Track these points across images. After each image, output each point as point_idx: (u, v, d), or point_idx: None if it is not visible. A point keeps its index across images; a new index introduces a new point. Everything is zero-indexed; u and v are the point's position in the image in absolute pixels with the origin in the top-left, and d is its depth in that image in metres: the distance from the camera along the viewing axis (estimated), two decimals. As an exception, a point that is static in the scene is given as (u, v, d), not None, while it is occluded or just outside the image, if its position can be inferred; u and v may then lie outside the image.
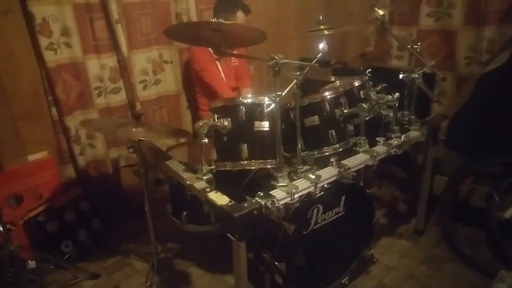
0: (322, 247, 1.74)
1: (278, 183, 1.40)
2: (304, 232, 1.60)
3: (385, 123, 1.87)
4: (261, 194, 1.34)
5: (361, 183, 1.78)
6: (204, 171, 1.50)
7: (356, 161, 1.61)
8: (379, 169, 2.90)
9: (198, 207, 1.67)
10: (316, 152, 1.67)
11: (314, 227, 1.63)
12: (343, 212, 1.72)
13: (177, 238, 2.18)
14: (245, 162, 1.51)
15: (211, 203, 1.34)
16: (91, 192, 2.39)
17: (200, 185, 1.45)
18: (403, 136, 1.84)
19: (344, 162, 1.60)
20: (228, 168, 1.55)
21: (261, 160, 1.52)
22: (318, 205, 1.60)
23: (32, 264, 2.00)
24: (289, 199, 1.37)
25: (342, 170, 1.54)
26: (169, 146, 2.13)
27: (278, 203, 1.32)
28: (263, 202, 1.29)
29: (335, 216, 1.69)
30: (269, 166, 1.50)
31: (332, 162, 1.58)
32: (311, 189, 1.46)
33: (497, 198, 1.96)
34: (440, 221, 2.20)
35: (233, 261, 1.33)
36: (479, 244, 2.10)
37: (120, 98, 2.45)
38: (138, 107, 2.49)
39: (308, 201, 1.53)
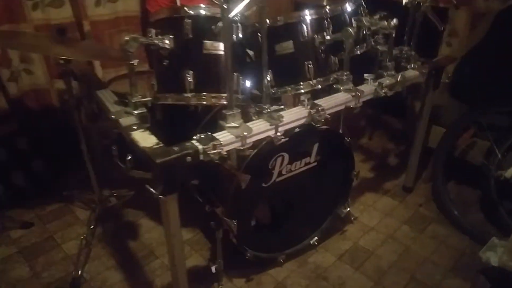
0: (288, 203, 1.51)
1: (226, 123, 1.11)
2: (263, 185, 1.35)
3: (379, 60, 1.56)
4: (202, 136, 1.05)
5: (340, 130, 1.49)
6: (135, 104, 1.19)
7: (333, 101, 1.31)
8: (372, 118, 2.68)
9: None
10: (288, 88, 1.36)
11: (278, 180, 1.37)
12: (315, 163, 1.46)
13: (130, 186, 1.94)
14: (190, 95, 1.21)
15: (134, 144, 1.06)
16: (32, 128, 2.10)
17: (126, 121, 1.16)
18: (398, 75, 1.52)
19: (319, 101, 1.30)
20: (169, 102, 1.25)
21: (212, 94, 1.22)
22: (283, 154, 1.33)
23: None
24: (238, 144, 1.09)
25: (314, 111, 1.24)
26: (113, 77, 1.80)
27: (222, 149, 1.04)
28: (200, 147, 1.01)
29: (305, 168, 1.44)
30: (220, 102, 1.20)
31: (303, 101, 1.27)
32: (271, 133, 1.17)
33: (498, 155, 1.70)
34: (432, 177, 1.97)
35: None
36: (472, 206, 1.89)
37: (64, 14, 2.06)
38: (87, 27, 2.11)
39: (269, 148, 1.26)
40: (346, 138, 1.47)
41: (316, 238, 1.63)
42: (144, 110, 1.21)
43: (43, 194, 2.00)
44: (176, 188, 1.01)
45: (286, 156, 1.35)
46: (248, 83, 1.34)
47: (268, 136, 1.18)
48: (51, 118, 2.18)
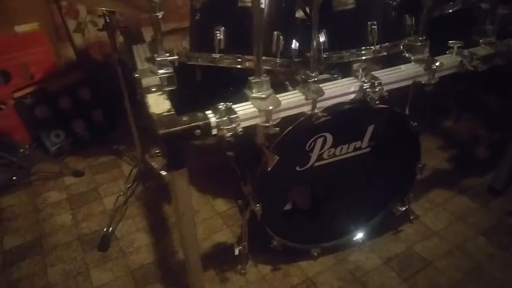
0: (329, 192, 1.31)
1: (251, 92, 0.93)
2: (298, 169, 1.17)
3: (476, 22, 1.22)
4: (219, 106, 0.90)
5: (406, 111, 1.22)
6: (160, 63, 1.07)
7: (397, 74, 1.05)
8: (462, 95, 2.25)
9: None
10: (344, 54, 1.13)
11: (317, 164, 1.18)
12: (368, 149, 1.22)
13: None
14: (219, 56, 1.05)
15: (146, 108, 0.95)
16: (95, 79, 2.15)
17: (149, 81, 1.05)
18: (500, 43, 1.17)
19: (378, 73, 1.04)
20: (200, 63, 1.11)
21: (246, 56, 1.05)
22: (325, 135, 1.12)
23: (24, 149, 1.91)
24: (261, 119, 0.91)
25: (368, 85, 1.00)
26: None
27: (238, 124, 0.87)
28: (213, 119, 0.86)
29: (354, 153, 1.21)
30: (247, 65, 1.03)
31: (357, 70, 1.03)
32: (306, 109, 0.97)
33: None
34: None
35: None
36: None
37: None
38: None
39: (307, 126, 1.06)
40: (412, 122, 1.20)
41: (362, 235, 1.41)
42: (170, 70, 1.08)
43: (99, 144, 2.07)
44: (182, 163, 0.89)
45: (330, 137, 1.13)
46: (296, 45, 1.13)
47: (304, 113, 0.98)
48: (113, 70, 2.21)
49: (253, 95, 0.93)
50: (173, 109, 0.90)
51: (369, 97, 0.99)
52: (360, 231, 1.42)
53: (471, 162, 1.86)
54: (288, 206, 1.34)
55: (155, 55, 1.07)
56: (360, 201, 1.37)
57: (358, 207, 1.38)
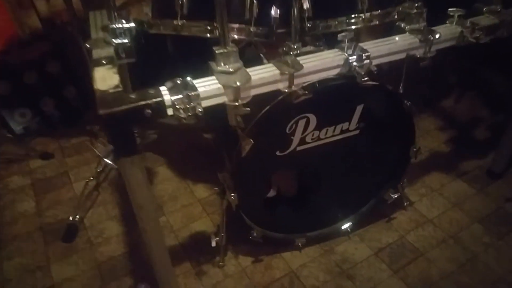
0: (316, 178, 1.20)
1: (217, 65, 0.80)
2: (278, 154, 1.05)
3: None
4: (177, 81, 0.76)
5: (400, 89, 1.09)
6: (115, 31, 0.93)
7: (388, 46, 0.91)
8: (465, 72, 2.11)
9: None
10: (332, 23, 0.99)
11: (299, 148, 1.06)
12: (357, 132, 1.10)
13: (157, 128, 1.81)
14: (180, 23, 0.91)
15: (92, 84, 0.82)
16: (65, 51, 1.98)
17: (101, 52, 0.91)
18: (505, 12, 1.04)
19: (366, 44, 0.91)
20: (162, 32, 0.97)
21: (209, 22, 0.91)
22: (308, 115, 1.00)
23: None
24: (226, 98, 0.78)
25: (354, 58, 0.87)
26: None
27: (198, 103, 0.74)
28: (167, 97, 0.73)
29: (342, 136, 1.09)
30: (207, 35, 0.89)
31: (342, 41, 0.89)
32: (281, 86, 0.84)
33: None
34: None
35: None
36: None
37: None
38: None
39: (286, 106, 0.93)
40: (406, 102, 1.07)
41: (351, 223, 1.31)
42: (126, 40, 0.94)
43: (72, 125, 1.93)
44: (133, 149, 0.76)
45: (313, 119, 1.01)
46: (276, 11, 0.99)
47: (280, 91, 0.85)
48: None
49: (219, 68, 0.80)
50: (121, 86, 0.77)
51: (355, 72, 0.86)
52: (349, 219, 1.31)
53: (471, 144, 1.74)
54: (272, 193, 1.22)
55: (108, 21, 0.93)
56: (349, 188, 1.26)
57: (347, 194, 1.27)
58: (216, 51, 0.79)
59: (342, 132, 1.08)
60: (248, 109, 0.80)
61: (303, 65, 0.84)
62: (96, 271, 1.26)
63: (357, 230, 1.34)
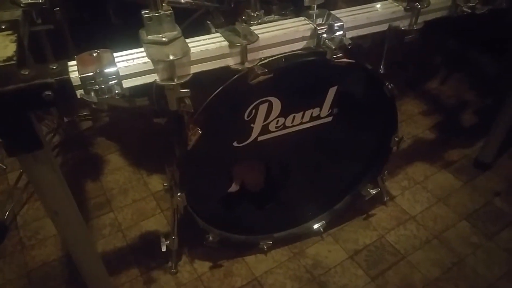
0: (283, 170, 1.06)
1: (147, 34, 0.63)
2: (235, 145, 0.89)
3: None
4: (94, 54, 0.59)
5: (381, 68, 0.94)
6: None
7: (367, 15, 0.76)
8: (452, 52, 1.99)
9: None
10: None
11: (261, 138, 0.90)
12: (330, 118, 0.95)
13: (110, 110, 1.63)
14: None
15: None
16: None
17: (3, 15, 0.73)
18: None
19: (338, 12, 0.75)
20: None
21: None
22: (270, 99, 0.84)
23: None
24: (160, 76, 0.62)
25: (323, 29, 0.71)
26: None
27: (120, 83, 0.58)
28: (75, 75, 0.56)
29: (311, 124, 0.94)
30: None
31: (311, 8, 0.74)
32: (230, 62, 0.68)
33: None
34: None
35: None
36: None
37: None
38: None
39: (243, 88, 0.77)
40: (387, 84, 0.93)
41: (323, 222, 1.18)
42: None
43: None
44: (29, 144, 0.59)
45: (276, 103, 0.86)
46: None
47: (230, 67, 0.70)
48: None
49: (148, 37, 0.63)
50: (15, 58, 0.59)
51: (325, 46, 0.71)
52: (321, 217, 1.18)
53: (457, 131, 1.63)
54: (234, 188, 1.08)
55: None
56: (322, 182, 1.12)
57: (320, 189, 1.14)
58: (144, 15, 0.62)
59: (312, 119, 0.94)
60: (187, 90, 0.64)
61: (259, 35, 0.67)
62: (24, 280, 1.10)
63: (330, 229, 1.21)
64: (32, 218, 1.28)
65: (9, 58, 0.59)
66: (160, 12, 0.63)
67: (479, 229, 1.23)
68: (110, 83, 0.57)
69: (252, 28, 0.71)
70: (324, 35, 0.71)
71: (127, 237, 1.23)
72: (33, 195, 1.35)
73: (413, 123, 1.65)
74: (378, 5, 0.79)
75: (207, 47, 0.65)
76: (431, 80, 1.92)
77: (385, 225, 1.24)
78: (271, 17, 0.86)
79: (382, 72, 0.95)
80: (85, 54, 0.60)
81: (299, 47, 0.73)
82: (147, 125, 1.55)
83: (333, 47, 0.70)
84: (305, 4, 0.73)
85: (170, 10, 0.63)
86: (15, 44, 0.64)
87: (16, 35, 0.66)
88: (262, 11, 0.80)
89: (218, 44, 0.66)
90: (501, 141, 1.39)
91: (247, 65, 0.68)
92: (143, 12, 0.63)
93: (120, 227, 1.25)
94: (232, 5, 0.92)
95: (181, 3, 0.83)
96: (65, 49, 1.00)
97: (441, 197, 1.34)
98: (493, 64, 1.89)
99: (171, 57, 0.60)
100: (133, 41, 0.65)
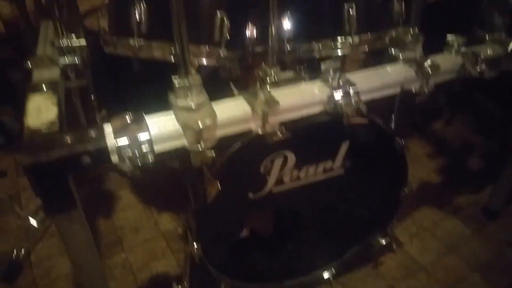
0: (294, 218, 1.09)
1: (176, 98, 0.69)
2: (250, 196, 0.93)
3: (481, 12, 1.01)
4: (127, 119, 0.65)
5: (392, 124, 0.99)
6: (61, 49, 0.82)
7: (380, 79, 0.82)
8: (455, 93, 2.04)
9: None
10: (315, 46, 0.89)
11: (276, 190, 0.94)
12: (342, 171, 0.99)
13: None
14: (137, 41, 0.79)
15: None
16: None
17: (43, 74, 0.79)
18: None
19: (354, 75, 0.81)
20: (119, 52, 0.85)
21: (168, 41, 0.80)
22: (286, 153, 0.89)
23: None
24: (189, 141, 0.67)
25: (341, 94, 0.76)
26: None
27: (152, 149, 0.63)
28: (111, 141, 0.61)
29: (324, 176, 0.98)
30: (171, 59, 0.78)
31: (327, 71, 0.79)
32: (253, 125, 0.73)
33: None
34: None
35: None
36: None
37: None
38: None
39: (260, 143, 0.82)
40: (398, 139, 0.97)
41: (333, 270, 1.20)
42: (74, 59, 0.83)
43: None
44: (66, 204, 0.64)
45: (291, 157, 0.90)
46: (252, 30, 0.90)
47: (252, 130, 0.75)
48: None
49: (178, 103, 0.68)
50: (57, 122, 0.65)
51: (342, 110, 0.76)
52: (331, 265, 1.20)
53: (464, 175, 1.66)
54: (244, 233, 1.11)
55: (54, 38, 0.81)
56: (332, 231, 1.15)
57: (330, 238, 1.17)
58: (175, 81, 0.68)
59: (325, 171, 0.98)
60: (213, 153, 0.69)
61: (280, 101, 0.73)
62: (37, 321, 1.12)
63: (339, 277, 1.23)
64: (45, 256, 1.31)
65: (52, 124, 0.65)
66: (189, 80, 0.68)
67: (493, 283, 1.23)
68: (144, 151, 0.62)
69: (270, 90, 0.76)
70: (341, 101, 0.76)
71: (138, 279, 1.25)
72: (47, 231, 1.38)
73: (418, 165, 1.68)
74: (390, 69, 0.85)
75: (232, 113, 0.70)
76: (436, 121, 1.96)
77: (395, 274, 1.26)
78: (287, 73, 0.92)
79: (393, 127, 1.00)
80: (119, 118, 0.65)
81: (316, 111, 0.78)
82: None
83: (350, 114, 0.75)
84: (322, 69, 0.79)
85: (199, 77, 0.69)
86: (56, 107, 0.69)
87: (56, 97, 0.72)
88: (278, 67, 0.85)
89: (242, 110, 0.71)
90: (510, 189, 1.42)
91: (267, 128, 0.73)
92: (173, 77, 0.68)
93: (131, 269, 1.28)
94: (250, 61, 0.98)
95: (202, 64, 0.88)
96: (92, 105, 1.06)
97: (451, 246, 1.35)
98: (498, 108, 1.93)
99: (201, 126, 0.65)
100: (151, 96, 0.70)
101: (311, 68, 0.91)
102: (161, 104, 0.71)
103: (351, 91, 0.76)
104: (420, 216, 1.46)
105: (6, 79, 1.77)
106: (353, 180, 1.02)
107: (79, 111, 1.07)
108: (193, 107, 0.68)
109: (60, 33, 0.81)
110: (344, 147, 0.95)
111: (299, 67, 0.93)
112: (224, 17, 0.80)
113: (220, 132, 0.70)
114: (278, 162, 0.90)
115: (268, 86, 0.79)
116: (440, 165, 1.70)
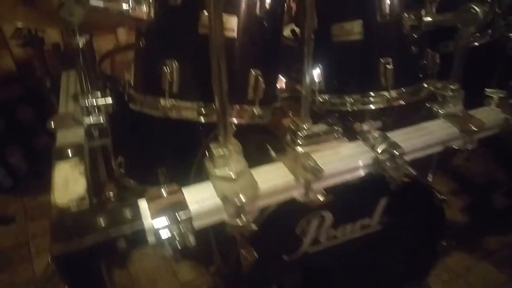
0: (325, 274, 1.03)
1: (215, 167, 0.64)
2: (285, 258, 0.88)
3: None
4: (163, 192, 0.60)
5: (429, 177, 0.94)
6: (87, 109, 0.78)
7: (422, 138, 0.77)
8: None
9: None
10: (348, 100, 0.86)
11: (311, 251, 0.89)
12: (380, 227, 0.94)
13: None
14: (168, 102, 0.75)
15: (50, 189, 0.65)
16: (40, 96, 1.82)
17: (68, 136, 0.75)
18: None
19: (395, 135, 0.77)
20: (145, 111, 0.81)
21: (200, 102, 0.76)
22: (323, 214, 0.84)
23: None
24: (229, 214, 0.62)
25: (385, 157, 0.72)
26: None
27: (190, 231, 0.58)
28: (149, 222, 0.56)
29: (361, 233, 0.93)
30: (202, 119, 0.74)
31: (367, 132, 0.75)
32: (296, 193, 0.68)
33: None
34: None
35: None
36: None
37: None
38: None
39: (293, 207, 0.77)
40: (437, 194, 0.92)
41: (365, 326, 1.13)
42: (99, 118, 0.79)
43: (39, 178, 1.73)
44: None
45: (329, 216, 0.85)
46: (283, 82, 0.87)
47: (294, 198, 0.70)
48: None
49: (217, 173, 0.64)
50: (87, 197, 0.60)
51: (388, 175, 0.71)
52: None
53: (490, 214, 1.60)
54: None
55: (79, 96, 0.77)
56: (366, 284, 1.09)
57: (362, 291, 1.10)
58: (214, 151, 0.63)
59: (362, 228, 0.93)
60: (255, 227, 0.64)
61: (323, 166, 0.68)
62: None
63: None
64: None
65: (82, 200, 0.60)
66: (229, 148, 0.64)
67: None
68: (183, 231, 0.57)
69: (307, 148, 0.71)
70: (387, 164, 0.71)
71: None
72: (58, 286, 1.32)
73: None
74: (432, 126, 0.81)
75: (274, 181, 0.66)
76: (456, 157, 1.91)
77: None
78: (320, 126, 0.87)
79: (430, 180, 0.95)
80: (155, 193, 0.61)
81: (361, 174, 0.74)
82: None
83: (397, 180, 0.71)
84: (363, 129, 0.75)
85: (239, 144, 0.65)
86: (84, 177, 0.64)
87: (83, 164, 0.67)
88: (310, 121, 0.81)
89: (284, 178, 0.67)
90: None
91: (311, 196, 0.68)
92: (212, 146, 0.64)
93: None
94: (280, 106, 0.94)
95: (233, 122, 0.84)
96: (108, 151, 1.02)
97: (487, 292, 1.29)
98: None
99: (243, 199, 0.60)
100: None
101: (342, 120, 0.87)
102: (180, 155, 0.66)
103: (396, 155, 0.72)
104: (451, 262, 1.39)
105: (14, 118, 1.74)
106: (389, 234, 0.96)
107: (100, 164, 1.02)
108: (233, 177, 0.63)
109: (85, 89, 0.77)
110: (382, 203, 0.90)
111: (332, 120, 0.89)
112: (259, 76, 0.76)
113: (262, 203, 0.65)
114: (314, 223, 0.85)
115: (300, 140, 0.75)
116: (464, 203, 1.64)
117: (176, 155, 1.09)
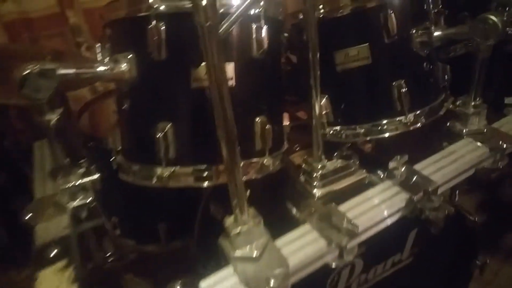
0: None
1: (234, 247, 0.54)
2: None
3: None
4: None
5: (457, 198, 0.87)
6: (69, 192, 0.67)
7: (454, 164, 0.69)
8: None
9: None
10: (360, 130, 0.78)
11: (342, 299, 0.80)
12: (411, 259, 0.86)
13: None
14: (165, 171, 0.65)
15: None
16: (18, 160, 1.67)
17: (47, 229, 0.64)
18: None
19: (424, 166, 0.69)
20: (137, 183, 0.71)
21: (203, 165, 0.65)
22: (355, 261, 0.75)
23: None
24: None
25: (419, 197, 0.64)
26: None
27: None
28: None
29: (393, 270, 0.84)
30: (204, 184, 0.65)
31: (395, 168, 0.67)
32: (329, 258, 0.59)
33: None
34: None
35: None
36: None
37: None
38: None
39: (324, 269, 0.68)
40: (469, 217, 0.85)
41: None
42: (86, 198, 0.68)
43: (24, 252, 1.58)
44: None
45: (360, 263, 0.76)
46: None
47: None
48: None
49: (236, 254, 0.54)
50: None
51: (425, 217, 0.63)
52: None
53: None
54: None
55: (60, 176, 0.67)
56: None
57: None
58: (230, 227, 0.53)
59: (393, 265, 0.84)
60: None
61: (355, 220, 0.59)
62: None
63: None
64: None
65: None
66: (248, 220, 0.54)
67: None
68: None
69: (325, 191, 0.63)
70: (422, 204, 0.63)
71: None
72: None
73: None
74: (459, 149, 0.73)
75: (304, 251, 0.56)
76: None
77: None
78: (335, 162, 0.79)
79: (457, 200, 0.88)
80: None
81: (395, 219, 0.65)
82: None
83: (438, 223, 0.62)
84: (390, 168, 0.66)
85: (256, 215, 0.55)
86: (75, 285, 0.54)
87: (72, 268, 0.56)
88: (325, 159, 0.72)
89: (315, 245, 0.57)
90: None
91: (346, 258, 0.59)
92: (227, 225, 0.54)
93: None
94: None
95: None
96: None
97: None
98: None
99: (272, 284, 0.51)
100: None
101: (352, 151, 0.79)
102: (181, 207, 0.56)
103: (431, 189, 0.63)
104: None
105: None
106: (422, 263, 0.88)
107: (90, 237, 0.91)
108: (256, 255, 0.54)
109: (64, 167, 0.67)
110: (412, 235, 0.82)
111: (346, 153, 0.81)
112: (266, 123, 0.67)
113: (293, 280, 0.56)
114: (345, 273, 0.76)
115: (316, 182, 0.67)
116: (483, 206, 1.56)
117: (176, 208, 0.99)
